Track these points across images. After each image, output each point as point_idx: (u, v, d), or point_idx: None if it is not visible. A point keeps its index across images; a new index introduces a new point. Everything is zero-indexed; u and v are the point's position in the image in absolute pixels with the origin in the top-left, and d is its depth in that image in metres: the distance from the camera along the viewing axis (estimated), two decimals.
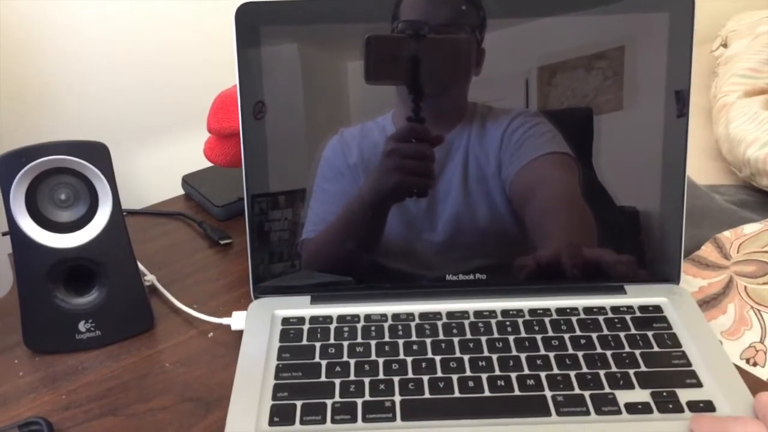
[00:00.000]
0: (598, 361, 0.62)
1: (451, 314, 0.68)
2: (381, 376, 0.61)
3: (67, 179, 0.66)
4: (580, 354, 0.62)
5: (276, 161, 0.69)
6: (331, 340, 0.65)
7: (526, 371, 0.61)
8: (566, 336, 0.64)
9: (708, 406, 0.57)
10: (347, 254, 0.70)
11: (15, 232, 0.65)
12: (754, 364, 0.69)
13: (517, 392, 0.59)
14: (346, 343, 0.64)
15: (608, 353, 0.62)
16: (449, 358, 0.62)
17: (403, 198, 0.69)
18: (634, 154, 0.69)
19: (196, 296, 0.76)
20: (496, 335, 0.65)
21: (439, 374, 0.61)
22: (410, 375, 0.61)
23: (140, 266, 0.73)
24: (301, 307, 0.69)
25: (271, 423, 0.57)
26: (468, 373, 0.61)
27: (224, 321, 0.71)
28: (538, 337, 0.64)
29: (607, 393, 0.58)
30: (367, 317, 0.67)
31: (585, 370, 0.61)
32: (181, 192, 0.99)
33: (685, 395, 0.58)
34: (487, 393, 0.59)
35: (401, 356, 0.63)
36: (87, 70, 0.94)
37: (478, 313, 0.67)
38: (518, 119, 0.68)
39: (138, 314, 0.71)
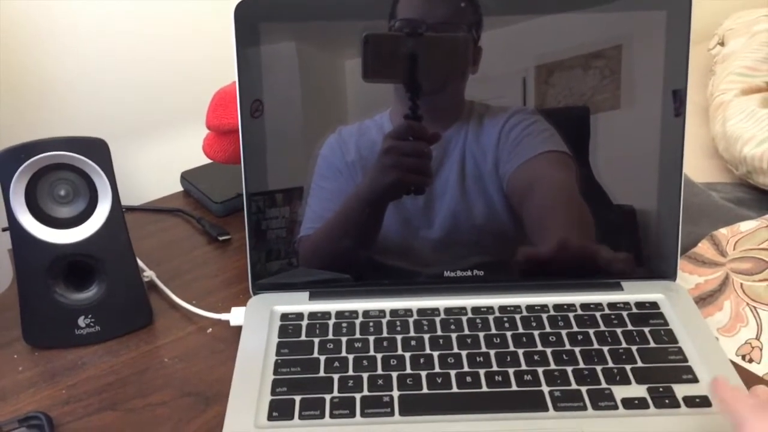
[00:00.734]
0: (595, 356, 0.62)
1: (449, 310, 0.68)
2: (379, 371, 0.61)
3: (67, 175, 0.67)
4: (577, 350, 0.63)
5: (275, 159, 0.69)
6: (330, 336, 0.65)
7: (524, 367, 0.61)
8: (563, 332, 0.65)
9: (704, 402, 0.57)
10: (345, 251, 0.70)
11: (15, 227, 0.66)
12: (750, 361, 0.69)
13: (514, 387, 0.59)
14: (344, 339, 0.65)
15: (605, 349, 0.63)
16: (447, 353, 0.63)
17: (400, 195, 0.69)
18: (631, 152, 0.69)
19: (195, 292, 0.76)
20: (493, 331, 0.65)
21: (437, 370, 0.61)
22: (408, 370, 0.61)
23: (139, 262, 0.73)
24: (300, 303, 0.69)
25: (270, 418, 0.57)
26: (466, 368, 0.61)
27: (223, 317, 0.71)
28: (536, 332, 0.65)
29: (603, 388, 0.59)
30: (366, 313, 0.68)
31: (582, 365, 0.61)
32: (180, 188, 0.99)
33: (681, 390, 0.58)
34: (484, 388, 0.59)
35: (399, 352, 0.63)
36: (87, 67, 0.94)
37: (476, 309, 0.68)
38: (515, 117, 0.68)
39: (137, 310, 0.72)
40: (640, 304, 0.68)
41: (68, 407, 0.63)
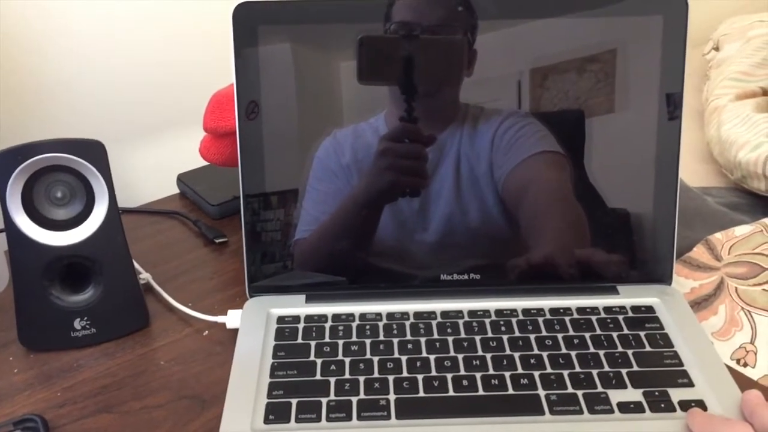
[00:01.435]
0: (591, 360, 0.62)
1: (445, 314, 0.68)
2: (376, 374, 0.61)
3: (64, 177, 0.66)
4: (573, 354, 0.63)
5: (271, 161, 0.69)
6: (326, 339, 0.65)
7: (520, 370, 0.61)
8: (559, 336, 0.65)
9: (699, 406, 0.57)
10: (341, 254, 0.70)
11: (11, 229, 0.65)
12: (745, 365, 0.69)
13: (510, 391, 0.59)
14: (341, 342, 0.65)
15: (601, 353, 0.63)
16: (443, 357, 0.63)
17: (395, 198, 0.69)
18: (627, 156, 0.69)
19: (191, 294, 0.76)
20: (490, 335, 0.65)
21: (434, 373, 0.61)
22: (405, 374, 0.61)
23: (135, 264, 0.73)
24: (296, 306, 0.69)
25: (267, 421, 0.57)
26: (462, 372, 0.61)
27: (219, 319, 0.71)
28: (532, 336, 0.65)
29: (599, 392, 0.59)
30: (362, 316, 0.68)
31: (578, 369, 0.61)
32: (177, 190, 0.99)
33: (676, 395, 0.59)
34: (481, 392, 0.59)
35: (396, 355, 0.63)
36: (84, 69, 0.94)
37: (472, 313, 0.68)
38: (509, 120, 0.68)
39: (133, 312, 0.72)
40: (635, 308, 0.68)
41: (64, 410, 0.63)
